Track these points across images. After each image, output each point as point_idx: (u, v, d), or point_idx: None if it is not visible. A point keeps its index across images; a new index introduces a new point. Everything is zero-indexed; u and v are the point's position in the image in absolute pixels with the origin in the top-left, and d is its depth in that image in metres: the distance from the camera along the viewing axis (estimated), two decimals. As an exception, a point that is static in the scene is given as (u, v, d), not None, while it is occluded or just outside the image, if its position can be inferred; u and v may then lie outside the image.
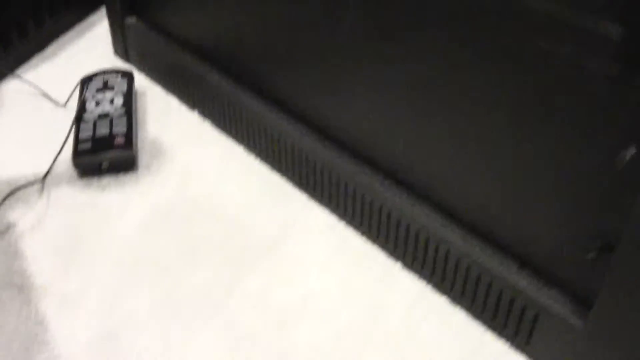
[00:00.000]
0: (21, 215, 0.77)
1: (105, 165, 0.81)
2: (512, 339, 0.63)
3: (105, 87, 0.89)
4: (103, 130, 0.83)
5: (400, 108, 0.62)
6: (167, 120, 0.90)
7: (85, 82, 0.91)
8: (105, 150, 0.81)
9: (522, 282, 0.59)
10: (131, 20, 0.94)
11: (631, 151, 0.46)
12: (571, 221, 0.54)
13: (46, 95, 0.93)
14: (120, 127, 0.83)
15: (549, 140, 0.52)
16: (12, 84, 0.96)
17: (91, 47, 1.02)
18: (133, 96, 0.89)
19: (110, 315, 0.67)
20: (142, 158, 0.84)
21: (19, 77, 0.97)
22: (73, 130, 0.84)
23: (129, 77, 0.92)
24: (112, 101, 0.87)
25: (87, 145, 0.81)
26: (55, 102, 0.92)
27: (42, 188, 0.80)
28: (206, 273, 0.71)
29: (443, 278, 0.67)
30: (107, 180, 0.81)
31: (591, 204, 0.52)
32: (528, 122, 0.52)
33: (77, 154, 0.81)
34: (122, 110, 0.86)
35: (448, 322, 0.66)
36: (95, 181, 0.81)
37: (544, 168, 0.53)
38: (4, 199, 0.78)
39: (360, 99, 0.66)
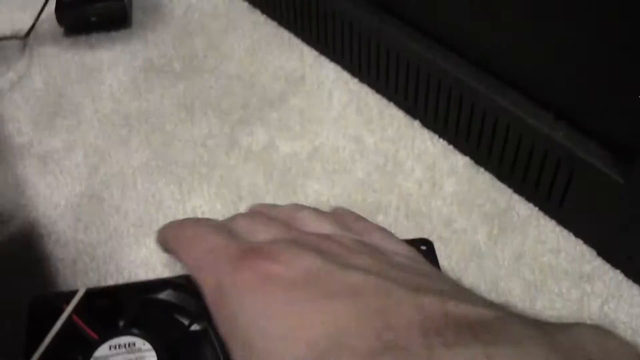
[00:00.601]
0: (-1, 75, 0.70)
1: (93, 19, 0.73)
2: (543, 202, 0.56)
3: (95, -62, 0.81)
4: (91, -19, 0.75)
5: None
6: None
7: None
8: (93, 1, 0.73)
9: (558, 134, 0.52)
10: None
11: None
12: (616, 60, 0.46)
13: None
14: (111, -21, 0.75)
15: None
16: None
17: None
18: (126, -51, 0.81)
19: (96, 175, 0.61)
20: (136, 14, 0.76)
21: None
22: (58, -18, 0.76)
23: None
24: (101, -48, 0.79)
25: (74, -4, 0.73)
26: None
27: (24, 46, 0.73)
28: (203, 129, 0.64)
29: (468, 135, 0.59)
30: (96, 37, 0.74)
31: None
32: None
33: (61, 6, 0.72)
34: (114, -38, 0.78)
35: (471, 184, 0.59)
36: (83, 38, 0.74)
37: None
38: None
39: None
